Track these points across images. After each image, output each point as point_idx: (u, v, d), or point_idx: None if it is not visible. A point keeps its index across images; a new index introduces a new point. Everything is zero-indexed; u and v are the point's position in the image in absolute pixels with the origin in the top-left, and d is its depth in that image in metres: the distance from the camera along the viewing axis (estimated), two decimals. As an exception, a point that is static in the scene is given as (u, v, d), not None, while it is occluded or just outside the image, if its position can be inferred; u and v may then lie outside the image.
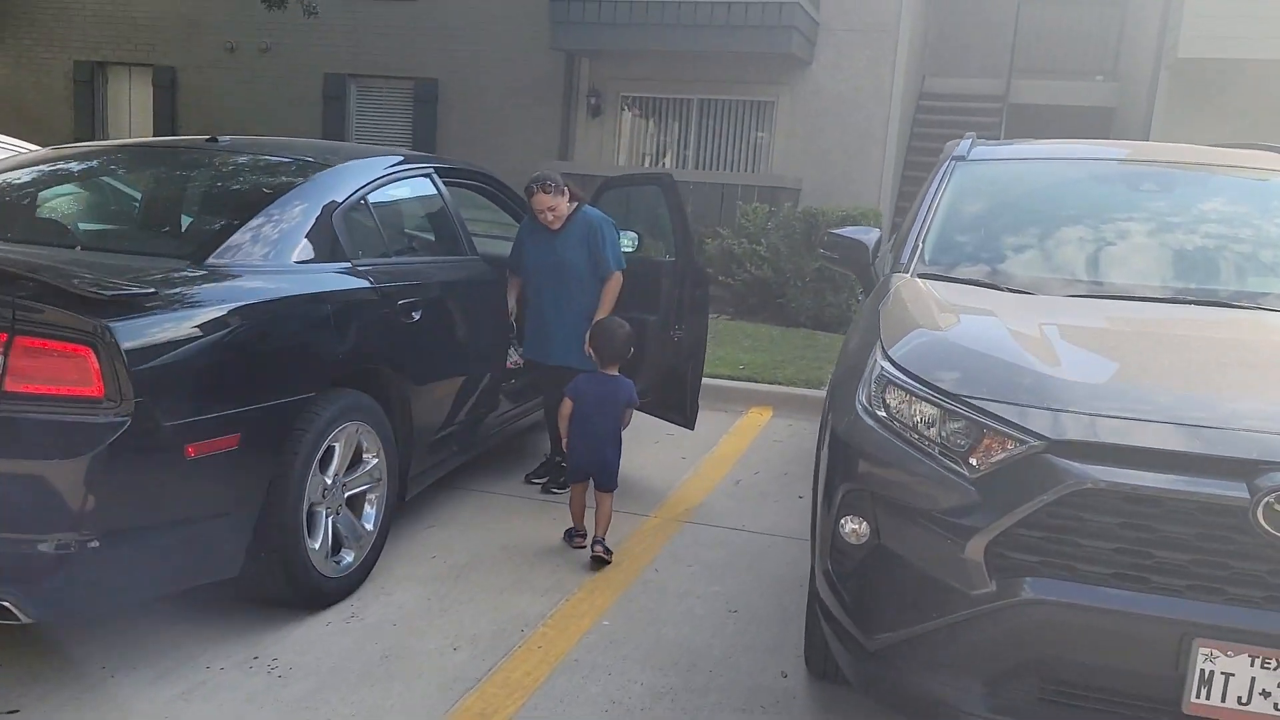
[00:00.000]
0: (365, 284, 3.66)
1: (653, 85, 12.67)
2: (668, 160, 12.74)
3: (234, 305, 3.04)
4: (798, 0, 11.12)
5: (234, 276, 3.18)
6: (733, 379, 7.18)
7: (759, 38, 11.20)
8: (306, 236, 3.52)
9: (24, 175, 3.99)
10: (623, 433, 4.25)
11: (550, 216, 4.61)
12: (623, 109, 12.94)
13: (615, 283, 4.66)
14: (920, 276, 3.44)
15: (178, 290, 2.96)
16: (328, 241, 3.61)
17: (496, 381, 4.72)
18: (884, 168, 11.91)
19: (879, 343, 2.84)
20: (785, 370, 7.42)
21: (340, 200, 3.74)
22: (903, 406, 2.57)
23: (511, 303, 4.88)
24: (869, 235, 3.96)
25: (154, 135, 13.48)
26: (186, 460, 2.82)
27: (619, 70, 12.61)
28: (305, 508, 3.32)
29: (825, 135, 11.99)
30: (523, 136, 12.60)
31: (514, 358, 4.97)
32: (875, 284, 3.87)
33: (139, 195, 4.12)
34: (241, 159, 4.00)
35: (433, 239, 4.62)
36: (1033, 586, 2.27)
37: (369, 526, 3.74)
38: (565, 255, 4.67)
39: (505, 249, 4.87)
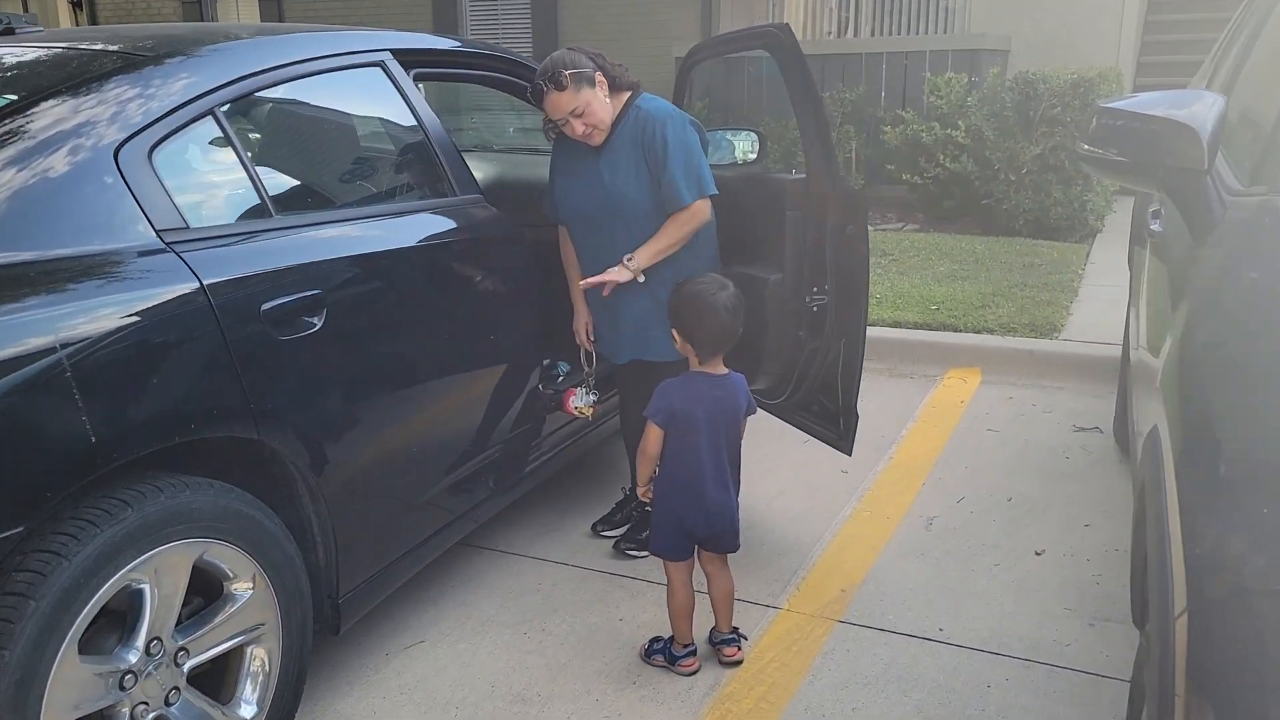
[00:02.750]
0: (182, 283, 1.92)
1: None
2: (834, 30, 10.34)
3: None
4: None
5: None
6: (922, 326, 5.10)
7: None
8: (56, 198, 1.81)
9: None
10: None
11: (581, 127, 2.73)
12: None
13: (691, 215, 2.76)
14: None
15: None
16: (109, 203, 1.89)
17: (518, 402, 2.93)
18: (1122, 12, 9.07)
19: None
20: (999, 309, 5.24)
21: (146, 123, 2.01)
22: None
23: (573, 279, 3.04)
24: (1201, 109, 1.80)
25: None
26: None
27: (770, -76, 10.24)
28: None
29: (1039, -23, 9.23)
30: (657, 17, 10.52)
31: (585, 398, 3.12)
32: (1215, 211, 1.80)
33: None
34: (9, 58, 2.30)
35: (376, 179, 2.81)
36: None
37: (246, 711, 2.10)
38: (615, 184, 2.78)
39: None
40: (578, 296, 3.04)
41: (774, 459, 3.78)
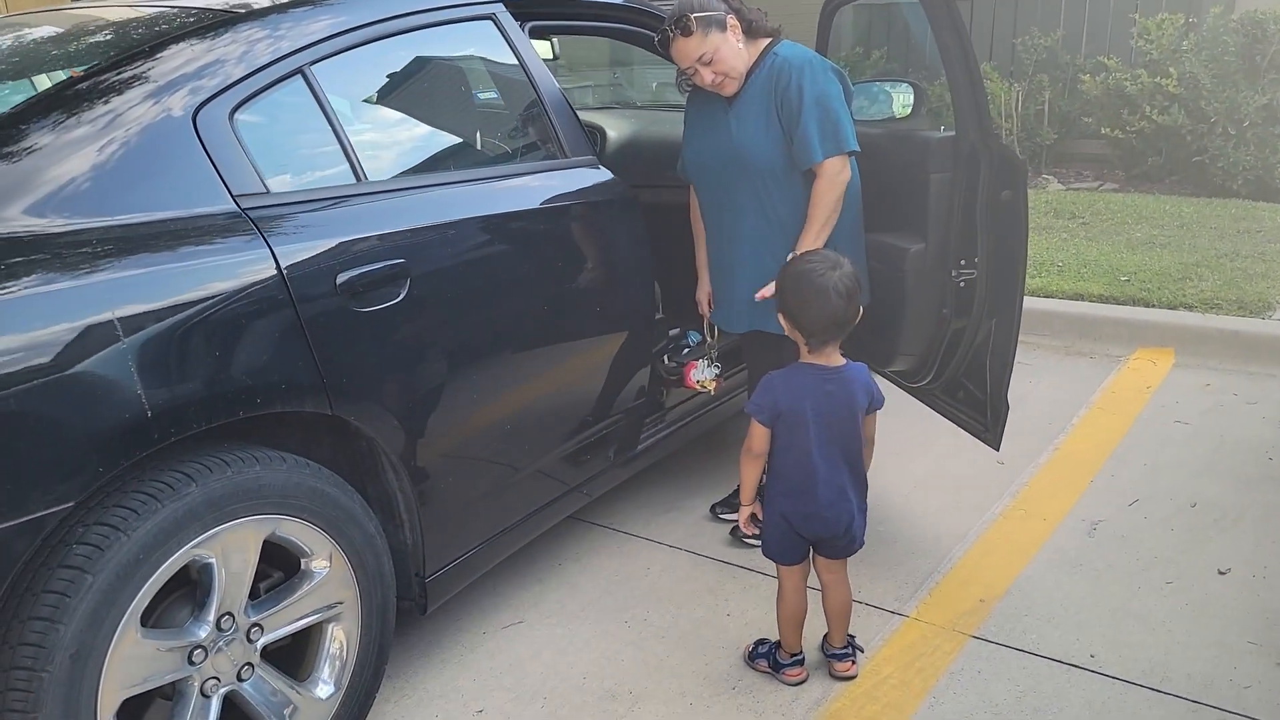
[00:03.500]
0: (252, 251, 1.85)
1: None
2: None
3: None
4: None
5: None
6: (1108, 300, 4.57)
7: None
8: (120, 166, 1.77)
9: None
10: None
11: (710, 75, 2.49)
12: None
13: (830, 181, 2.46)
14: None
15: None
16: (185, 168, 1.84)
17: (632, 374, 2.76)
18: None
19: None
20: (1202, 282, 4.64)
21: (227, 84, 1.94)
22: None
23: (700, 245, 2.83)
24: None
25: None
26: None
27: None
28: (122, 697, 1.70)
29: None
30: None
31: (706, 371, 2.90)
32: None
33: None
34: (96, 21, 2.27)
35: (478, 140, 2.64)
36: None
37: (322, 691, 2.05)
38: (743, 137, 2.54)
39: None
40: (702, 265, 2.82)
41: (916, 444, 3.46)
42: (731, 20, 2.48)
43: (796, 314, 2.18)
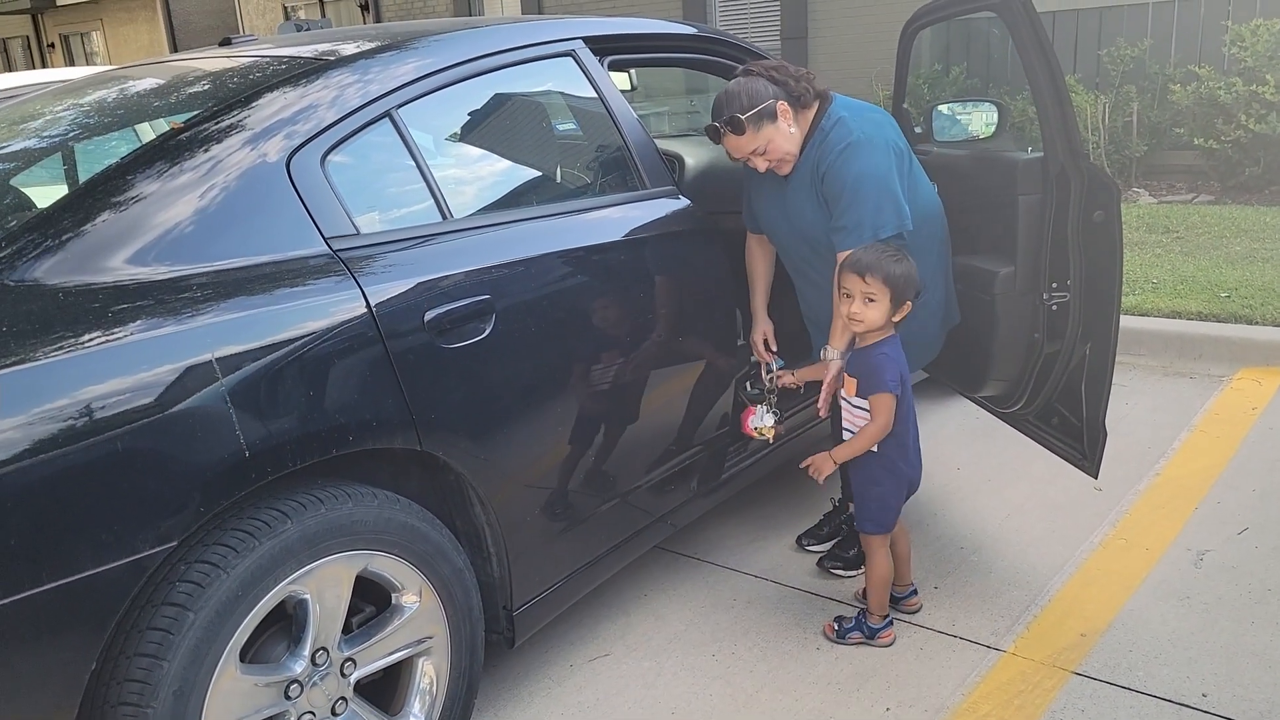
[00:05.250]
0: (344, 292, 1.89)
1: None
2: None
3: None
4: None
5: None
6: (1208, 317, 4.39)
7: None
8: (218, 213, 1.83)
9: None
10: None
11: (765, 165, 2.47)
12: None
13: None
14: None
15: None
16: (280, 213, 1.90)
17: (714, 404, 2.74)
18: None
19: None
20: (1308, 297, 4.43)
21: (319, 129, 1.99)
22: None
23: (756, 288, 2.81)
24: None
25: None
26: None
27: None
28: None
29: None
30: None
31: (764, 418, 2.76)
32: None
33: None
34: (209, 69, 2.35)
35: (560, 174, 2.67)
36: None
37: (413, 726, 2.07)
38: (796, 211, 2.52)
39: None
40: (759, 306, 2.79)
41: (1010, 470, 3.36)
42: (782, 106, 2.41)
43: (905, 292, 2.32)
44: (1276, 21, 6.74)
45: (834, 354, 2.51)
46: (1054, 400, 2.70)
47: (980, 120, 3.20)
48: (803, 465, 2.49)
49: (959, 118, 3.14)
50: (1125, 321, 3.73)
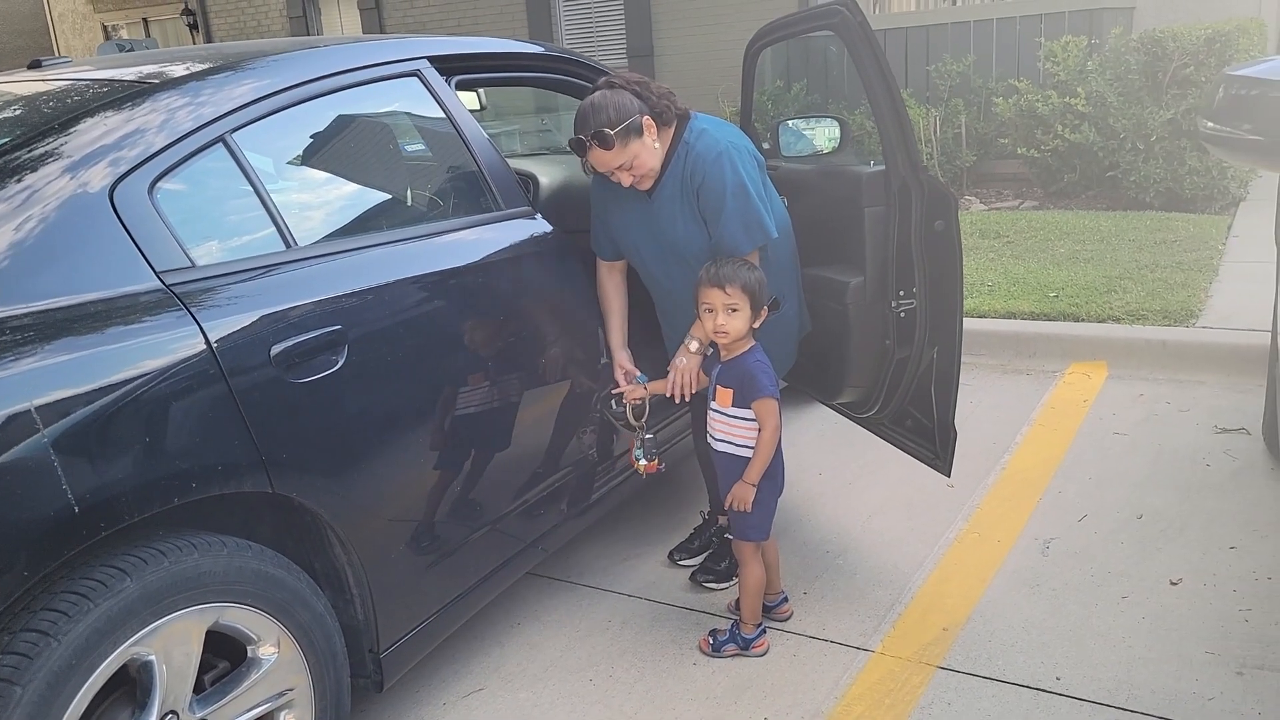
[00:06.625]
0: (179, 328, 1.77)
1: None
2: None
3: None
4: None
5: None
6: (1039, 316, 4.66)
7: None
8: (35, 249, 1.68)
9: None
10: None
11: (629, 179, 2.47)
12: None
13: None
14: None
15: None
16: (103, 246, 1.76)
17: (580, 425, 2.71)
18: (1264, -45, 8.25)
19: None
20: (1127, 294, 4.76)
21: (145, 157, 1.87)
22: None
23: (611, 325, 2.74)
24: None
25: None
26: None
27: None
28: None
29: (1167, -77, 8.47)
30: (752, 10, 10.13)
31: (641, 458, 2.71)
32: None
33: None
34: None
35: (409, 198, 2.59)
36: None
37: (275, 787, 1.95)
38: (669, 228, 2.53)
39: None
40: (615, 343, 2.72)
41: (868, 473, 3.47)
42: (646, 120, 2.41)
43: (762, 298, 2.41)
44: (1083, 38, 7.26)
45: (695, 344, 2.54)
46: (907, 404, 2.80)
47: (824, 135, 3.30)
48: (726, 505, 2.48)
49: (804, 133, 3.23)
50: (965, 324, 3.92)
